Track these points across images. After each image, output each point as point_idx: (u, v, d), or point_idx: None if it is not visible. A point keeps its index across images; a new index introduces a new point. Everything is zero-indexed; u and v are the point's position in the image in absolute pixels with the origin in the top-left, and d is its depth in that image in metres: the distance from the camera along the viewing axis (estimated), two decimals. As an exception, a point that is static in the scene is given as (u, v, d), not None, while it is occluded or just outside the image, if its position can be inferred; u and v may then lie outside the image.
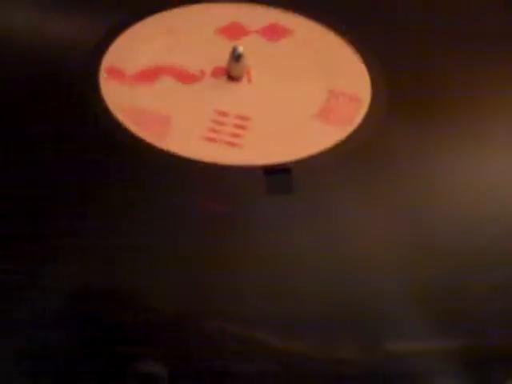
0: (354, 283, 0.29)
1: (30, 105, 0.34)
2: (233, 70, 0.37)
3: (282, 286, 0.29)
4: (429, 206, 0.32)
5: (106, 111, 0.34)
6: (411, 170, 0.34)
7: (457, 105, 0.36)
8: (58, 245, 0.29)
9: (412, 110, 0.36)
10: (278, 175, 0.33)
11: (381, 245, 0.31)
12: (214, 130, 0.34)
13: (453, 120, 0.36)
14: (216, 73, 0.37)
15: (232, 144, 0.34)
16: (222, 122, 0.35)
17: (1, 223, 0.30)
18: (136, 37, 0.38)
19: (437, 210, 0.32)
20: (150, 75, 0.36)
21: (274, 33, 0.39)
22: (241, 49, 0.36)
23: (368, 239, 0.31)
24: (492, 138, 0.36)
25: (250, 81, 0.37)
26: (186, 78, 0.36)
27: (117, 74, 0.36)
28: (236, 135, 0.34)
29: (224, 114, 0.35)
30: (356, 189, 0.33)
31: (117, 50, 0.37)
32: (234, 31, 0.39)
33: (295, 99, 0.36)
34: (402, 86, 0.37)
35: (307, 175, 0.33)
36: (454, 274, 0.30)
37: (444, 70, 0.38)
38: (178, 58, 0.37)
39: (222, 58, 0.37)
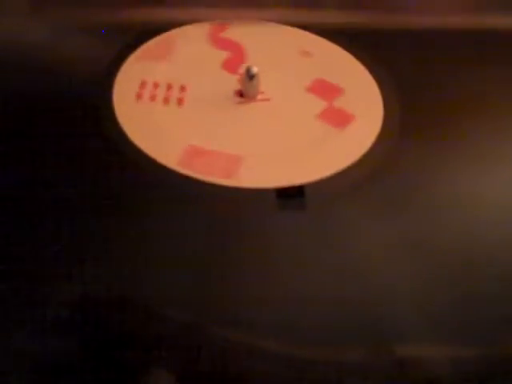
0: (364, 304, 0.30)
1: (45, 121, 0.35)
2: (244, 88, 0.37)
3: (291, 300, 0.30)
4: (442, 228, 0.32)
5: (118, 130, 0.35)
6: (424, 191, 0.34)
7: (471, 125, 0.36)
8: (67, 251, 0.30)
9: (425, 132, 0.36)
10: (290, 197, 0.33)
11: (393, 266, 0.31)
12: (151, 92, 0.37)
13: (467, 141, 0.36)
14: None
15: (138, 96, 0.36)
16: (169, 86, 0.37)
17: (12, 233, 0.31)
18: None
19: (451, 233, 0.32)
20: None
21: (340, 119, 0.37)
22: (255, 70, 0.36)
23: (379, 260, 0.31)
24: (509, 160, 0.35)
25: (244, 101, 0.37)
26: (229, 67, 0.38)
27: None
28: (166, 99, 0.36)
29: (182, 89, 0.37)
30: (367, 211, 0.33)
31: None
32: (320, 87, 0.38)
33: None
34: (415, 106, 0.36)
35: (317, 198, 0.33)
36: (465, 294, 0.30)
37: (459, 91, 0.37)
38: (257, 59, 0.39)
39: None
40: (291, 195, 0.32)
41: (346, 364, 0.28)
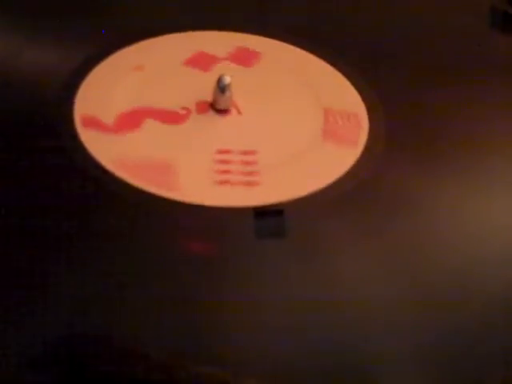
0: (345, 330, 0.28)
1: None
2: (219, 103, 0.33)
3: (272, 333, 0.27)
4: (428, 248, 0.31)
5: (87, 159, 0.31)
6: (409, 209, 0.32)
7: (457, 142, 0.35)
8: (46, 292, 0.27)
9: (410, 148, 0.34)
10: (269, 218, 0.30)
11: (377, 290, 0.29)
12: (223, 172, 0.31)
13: (453, 158, 0.34)
14: (201, 108, 0.34)
15: (248, 184, 0.31)
16: (228, 160, 0.32)
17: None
18: (102, 78, 0.34)
19: (437, 253, 0.30)
20: (130, 121, 0.33)
21: (244, 57, 0.36)
22: (227, 79, 0.33)
23: (364, 284, 0.29)
24: (494, 178, 0.34)
25: (239, 112, 0.34)
26: (171, 118, 0.33)
27: (93, 123, 0.32)
28: (249, 173, 0.31)
29: (227, 151, 0.32)
30: (352, 230, 0.31)
31: (85, 97, 0.33)
32: (202, 61, 0.36)
33: (293, 124, 0.34)
34: (400, 122, 0.35)
35: (300, 215, 0.30)
36: (453, 321, 0.29)
37: (444, 106, 0.36)
38: (155, 97, 0.34)
39: (203, 91, 0.34)
40: (270, 214, 0.31)
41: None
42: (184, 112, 0.33)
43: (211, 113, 0.33)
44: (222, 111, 0.34)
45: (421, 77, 0.37)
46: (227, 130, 0.33)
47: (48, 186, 0.30)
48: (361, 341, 0.27)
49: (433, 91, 0.36)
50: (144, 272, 0.28)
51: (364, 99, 0.35)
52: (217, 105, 0.33)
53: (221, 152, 0.32)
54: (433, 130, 0.35)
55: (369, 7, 0.40)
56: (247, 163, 0.32)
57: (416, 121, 0.35)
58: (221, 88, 0.33)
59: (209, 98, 0.34)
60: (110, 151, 0.31)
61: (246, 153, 0.32)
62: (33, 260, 0.28)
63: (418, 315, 0.28)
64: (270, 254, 0.29)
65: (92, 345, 0.27)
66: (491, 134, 0.35)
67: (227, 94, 0.33)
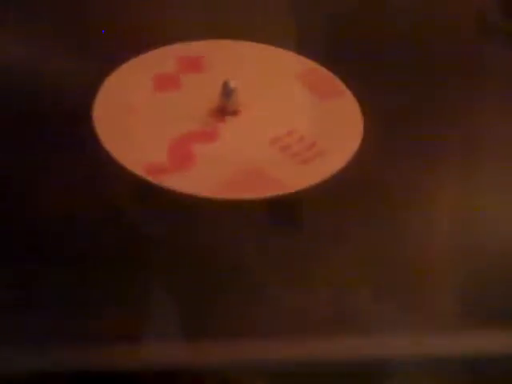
0: (353, 321, 0.30)
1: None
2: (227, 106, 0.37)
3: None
4: (425, 241, 0.33)
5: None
6: (407, 203, 0.34)
7: (454, 137, 0.37)
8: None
9: (406, 141, 0.37)
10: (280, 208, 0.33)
11: (377, 279, 0.31)
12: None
13: (449, 154, 0.37)
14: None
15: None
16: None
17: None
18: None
19: (435, 244, 0.33)
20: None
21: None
22: (232, 83, 0.36)
23: (367, 273, 0.31)
24: (489, 177, 0.36)
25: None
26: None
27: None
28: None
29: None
30: (351, 221, 0.33)
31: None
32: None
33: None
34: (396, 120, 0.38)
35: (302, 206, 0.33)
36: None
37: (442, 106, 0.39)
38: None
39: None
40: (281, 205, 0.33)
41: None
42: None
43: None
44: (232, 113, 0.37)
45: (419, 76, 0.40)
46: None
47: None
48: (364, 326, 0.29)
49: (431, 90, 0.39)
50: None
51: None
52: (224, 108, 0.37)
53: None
54: (429, 127, 0.38)
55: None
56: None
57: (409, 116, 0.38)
58: (227, 92, 0.36)
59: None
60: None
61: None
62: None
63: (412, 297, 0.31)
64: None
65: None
66: (489, 136, 0.38)
67: (233, 97, 0.37)
